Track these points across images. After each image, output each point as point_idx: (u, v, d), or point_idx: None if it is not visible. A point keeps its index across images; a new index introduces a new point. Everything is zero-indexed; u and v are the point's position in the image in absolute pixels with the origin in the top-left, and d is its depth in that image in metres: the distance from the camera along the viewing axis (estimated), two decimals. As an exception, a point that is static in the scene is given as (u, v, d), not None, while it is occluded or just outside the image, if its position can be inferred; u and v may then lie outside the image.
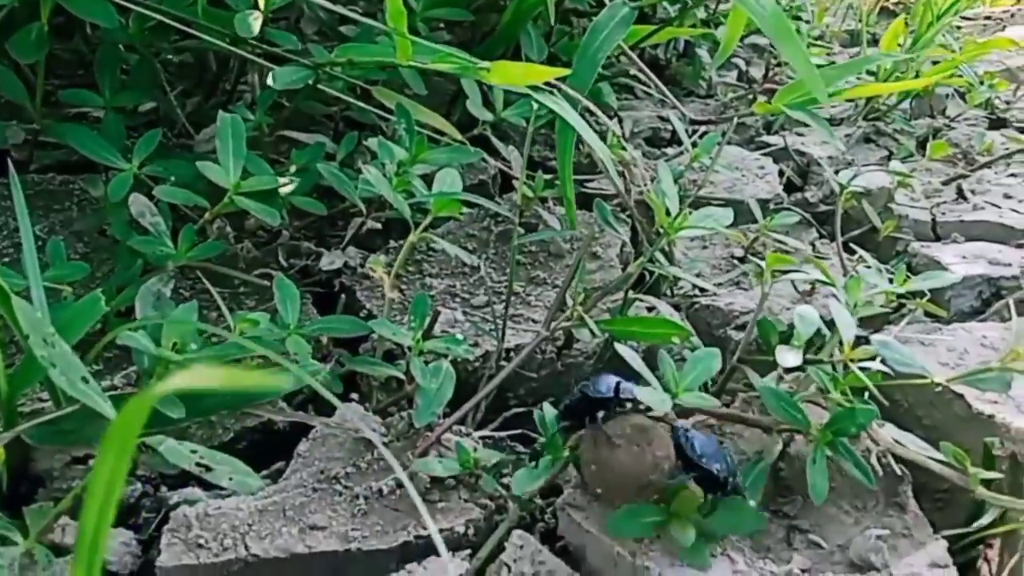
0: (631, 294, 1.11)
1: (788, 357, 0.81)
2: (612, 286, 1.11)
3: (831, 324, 0.93)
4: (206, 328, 0.92)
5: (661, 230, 1.19)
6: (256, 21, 1.17)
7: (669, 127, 1.65)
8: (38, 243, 0.99)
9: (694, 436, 0.83)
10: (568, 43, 1.60)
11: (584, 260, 0.99)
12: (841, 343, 0.82)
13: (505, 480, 0.93)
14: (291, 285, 1.01)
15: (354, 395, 1.04)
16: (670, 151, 1.56)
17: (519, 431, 1.07)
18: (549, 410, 0.90)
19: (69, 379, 0.76)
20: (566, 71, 0.94)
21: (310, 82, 1.22)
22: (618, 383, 0.85)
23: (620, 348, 0.84)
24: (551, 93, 1.01)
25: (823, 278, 0.93)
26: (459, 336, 1.01)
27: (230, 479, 0.78)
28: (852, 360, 0.82)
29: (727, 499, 0.81)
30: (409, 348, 0.98)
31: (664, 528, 0.80)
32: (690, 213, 1.06)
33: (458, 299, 1.23)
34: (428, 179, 1.17)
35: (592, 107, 1.13)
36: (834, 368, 0.83)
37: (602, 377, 0.87)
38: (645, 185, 1.30)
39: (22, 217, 0.99)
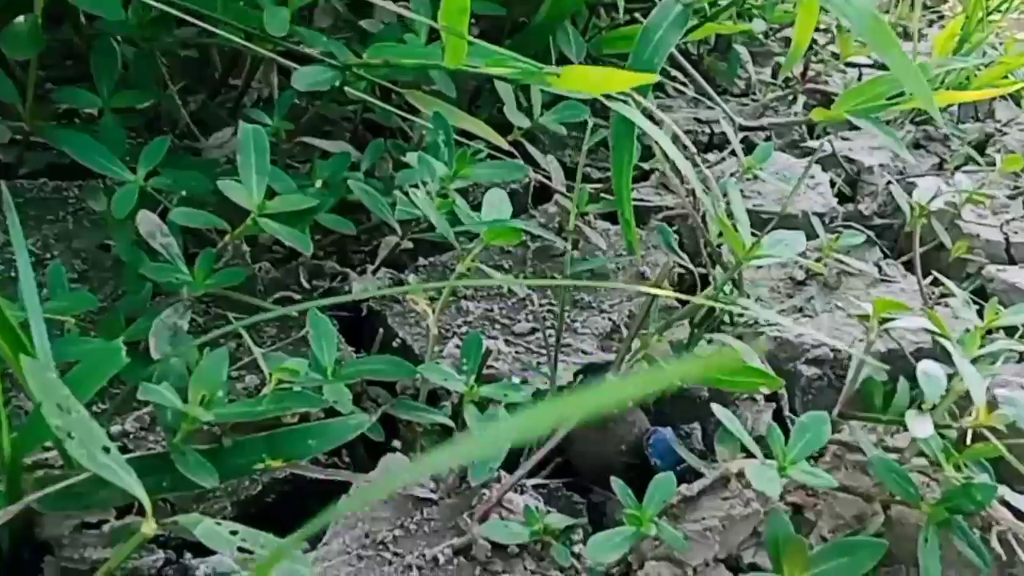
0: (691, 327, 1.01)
1: (920, 426, 0.72)
2: (675, 318, 1.01)
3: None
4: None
5: (725, 257, 1.09)
6: (286, 17, 1.05)
7: (707, 130, 1.55)
8: (32, 260, 0.87)
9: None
10: (602, 39, 1.49)
11: (653, 301, 0.89)
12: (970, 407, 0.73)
13: (575, 548, 0.83)
14: (326, 321, 0.90)
15: (396, 442, 0.93)
16: (711, 157, 1.45)
17: (571, 478, 0.98)
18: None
19: (89, 451, 0.65)
20: (649, 77, 0.83)
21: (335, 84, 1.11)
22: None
23: (717, 409, 0.73)
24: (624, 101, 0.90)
25: (933, 327, 0.83)
26: (515, 380, 0.91)
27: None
28: (985, 426, 0.72)
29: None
30: (461, 395, 0.88)
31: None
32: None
33: (498, 326, 1.12)
34: (464, 192, 1.06)
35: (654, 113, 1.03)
36: (964, 434, 0.73)
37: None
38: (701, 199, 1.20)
39: (15, 235, 0.88)
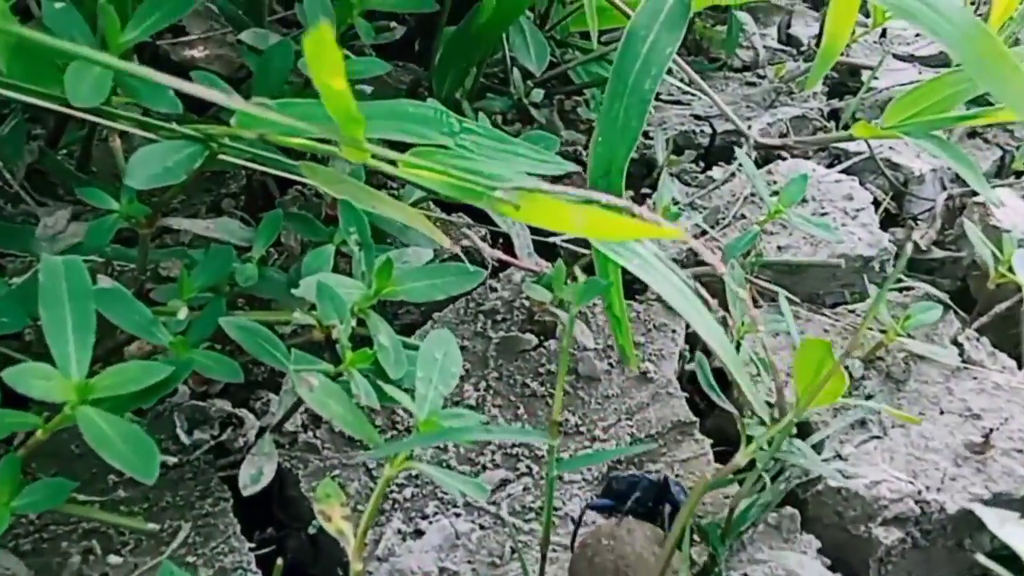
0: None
1: None
2: (712, 484, 0.71)
3: None
4: None
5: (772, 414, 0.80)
6: (105, 80, 0.71)
7: (706, 129, 1.22)
8: None
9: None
10: (568, 21, 1.14)
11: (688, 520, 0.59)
12: None
13: None
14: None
15: None
16: (716, 173, 1.12)
17: None
18: None
19: None
20: (669, 232, 0.50)
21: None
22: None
23: None
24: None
25: None
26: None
27: None
28: None
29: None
30: None
31: None
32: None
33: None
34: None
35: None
36: None
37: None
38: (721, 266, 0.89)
39: None
